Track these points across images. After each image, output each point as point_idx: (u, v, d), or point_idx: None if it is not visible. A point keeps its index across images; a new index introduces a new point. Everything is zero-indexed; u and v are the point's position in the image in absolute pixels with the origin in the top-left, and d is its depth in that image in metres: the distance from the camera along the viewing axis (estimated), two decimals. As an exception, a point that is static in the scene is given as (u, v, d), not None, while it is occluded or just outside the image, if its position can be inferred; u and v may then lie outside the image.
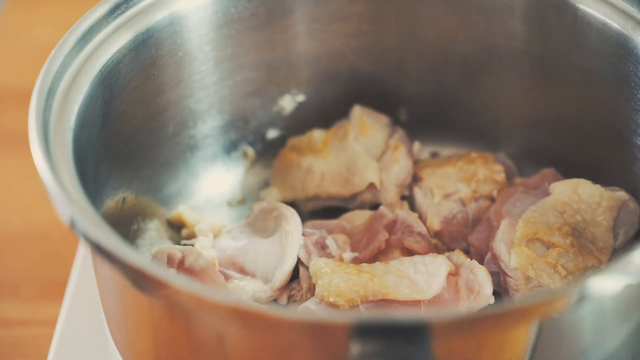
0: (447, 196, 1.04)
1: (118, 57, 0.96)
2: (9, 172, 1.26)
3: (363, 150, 1.08)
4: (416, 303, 0.93)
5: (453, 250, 0.99)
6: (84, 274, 1.07)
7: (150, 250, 1.03)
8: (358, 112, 1.11)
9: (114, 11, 0.96)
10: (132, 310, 0.86)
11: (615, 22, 0.98)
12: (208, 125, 1.10)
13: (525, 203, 1.01)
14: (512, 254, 0.96)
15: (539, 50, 1.06)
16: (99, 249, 0.78)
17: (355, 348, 0.73)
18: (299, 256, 0.99)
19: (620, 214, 0.99)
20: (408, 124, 1.14)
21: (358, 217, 1.05)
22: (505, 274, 0.96)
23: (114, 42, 0.96)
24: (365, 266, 0.95)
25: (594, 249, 0.97)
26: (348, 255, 0.99)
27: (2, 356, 1.06)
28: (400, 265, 0.95)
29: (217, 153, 1.12)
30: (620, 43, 0.98)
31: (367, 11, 1.09)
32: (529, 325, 0.78)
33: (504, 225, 0.98)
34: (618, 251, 0.98)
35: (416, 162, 1.09)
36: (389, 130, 1.11)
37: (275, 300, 0.99)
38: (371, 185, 1.07)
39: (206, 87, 1.07)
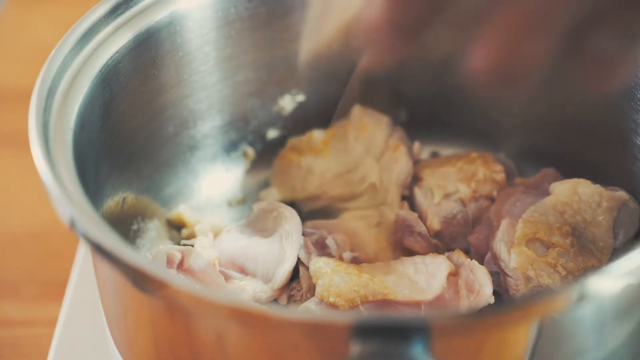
0: (447, 196, 1.04)
1: (118, 57, 0.96)
2: (9, 172, 1.26)
3: (363, 150, 1.08)
4: (416, 303, 0.93)
5: (453, 250, 0.99)
6: (84, 274, 1.07)
7: (150, 250, 1.03)
8: (358, 112, 1.11)
9: (114, 11, 0.96)
10: (132, 310, 0.86)
11: (615, 22, 0.98)
12: (208, 125, 1.10)
13: (525, 203, 1.01)
14: (512, 254, 0.96)
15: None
16: (99, 249, 0.78)
17: (355, 348, 0.73)
18: (299, 256, 0.99)
19: (620, 214, 0.99)
20: (408, 124, 1.14)
21: (358, 218, 1.05)
22: (505, 274, 0.96)
23: (114, 42, 0.96)
24: (365, 266, 0.95)
25: (594, 249, 0.97)
26: (348, 255, 0.99)
27: (2, 356, 1.06)
28: (401, 265, 0.96)
29: (217, 153, 1.12)
30: (620, 43, 0.98)
31: (367, 11, 1.09)
32: (529, 325, 0.78)
33: (504, 225, 0.98)
34: (618, 251, 0.98)
35: (416, 162, 1.09)
36: (389, 130, 1.11)
37: (275, 300, 0.99)
38: (371, 186, 1.07)
39: (206, 87, 1.07)
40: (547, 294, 0.76)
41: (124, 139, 1.00)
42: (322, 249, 1.00)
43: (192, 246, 1.01)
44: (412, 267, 0.95)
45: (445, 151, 1.14)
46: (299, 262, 0.99)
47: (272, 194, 1.08)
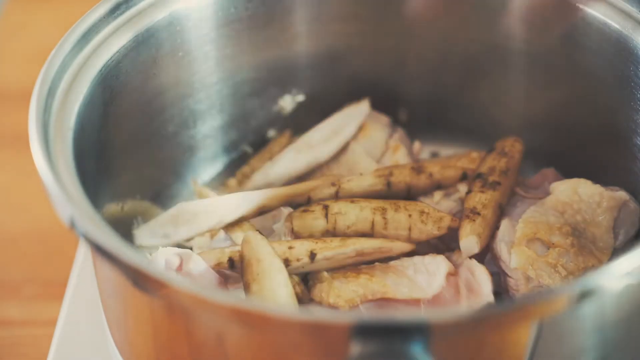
0: (447, 196, 1.04)
1: (118, 57, 0.96)
2: (9, 172, 1.26)
3: (363, 151, 1.08)
4: (416, 302, 0.93)
5: (453, 250, 0.99)
6: (84, 274, 1.07)
7: (150, 250, 1.03)
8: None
9: (114, 11, 0.96)
10: (132, 310, 0.86)
11: (615, 22, 0.98)
12: (208, 125, 1.10)
13: (525, 203, 1.01)
14: (512, 254, 0.96)
15: (539, 50, 1.06)
16: (99, 249, 0.78)
17: (355, 348, 0.73)
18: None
19: (621, 214, 0.99)
20: (408, 124, 1.14)
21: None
22: (505, 274, 0.96)
23: (114, 42, 0.96)
24: (364, 267, 0.95)
25: (594, 249, 0.97)
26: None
27: (2, 356, 1.06)
28: (400, 264, 0.95)
29: (217, 153, 1.12)
30: (620, 43, 0.98)
31: (367, 11, 1.09)
32: (529, 325, 0.78)
33: (504, 225, 0.98)
34: (618, 251, 0.98)
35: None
36: (389, 130, 1.11)
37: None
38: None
39: (206, 87, 1.07)
40: (547, 294, 0.76)
41: (124, 139, 1.00)
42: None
43: (191, 249, 1.01)
44: (412, 267, 0.95)
45: (445, 151, 1.14)
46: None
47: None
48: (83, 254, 1.10)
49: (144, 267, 0.76)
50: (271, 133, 1.14)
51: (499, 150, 1.04)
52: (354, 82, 1.13)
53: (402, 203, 0.99)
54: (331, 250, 0.95)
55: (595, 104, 1.04)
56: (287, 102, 1.13)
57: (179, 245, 1.04)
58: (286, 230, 0.98)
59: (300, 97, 1.13)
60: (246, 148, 1.13)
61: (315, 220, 0.98)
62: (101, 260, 0.81)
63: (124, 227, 1.02)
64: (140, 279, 0.77)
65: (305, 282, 0.96)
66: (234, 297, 0.75)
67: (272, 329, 0.75)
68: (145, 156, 1.05)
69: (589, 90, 1.04)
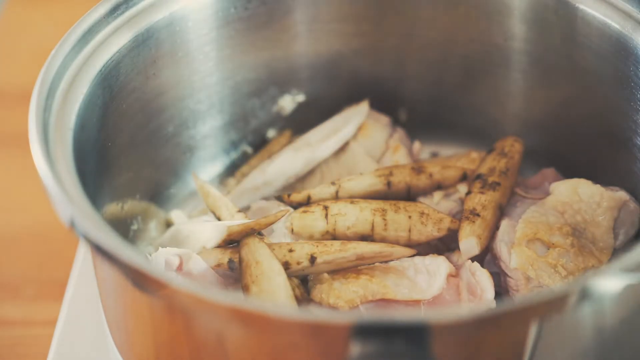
0: (447, 196, 1.04)
1: (118, 57, 0.96)
2: (9, 172, 1.26)
3: (363, 151, 1.08)
4: (416, 303, 0.93)
5: (453, 250, 0.99)
6: (84, 274, 1.07)
7: (150, 250, 1.03)
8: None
9: (114, 11, 0.96)
10: (132, 310, 0.86)
11: (615, 22, 0.98)
12: (208, 126, 1.10)
13: (525, 203, 1.01)
14: (512, 254, 0.96)
15: (539, 50, 1.06)
16: (99, 249, 0.78)
17: (355, 348, 0.73)
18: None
19: (621, 214, 0.99)
20: (408, 124, 1.14)
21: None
22: (505, 274, 0.96)
23: (114, 42, 0.96)
24: (364, 268, 0.95)
25: (594, 249, 0.97)
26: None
27: (2, 356, 1.06)
28: (400, 265, 0.95)
29: (217, 153, 1.12)
30: (620, 43, 0.98)
31: (367, 11, 1.09)
32: (529, 325, 0.78)
33: (504, 225, 0.98)
34: (618, 251, 0.98)
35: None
36: (389, 130, 1.11)
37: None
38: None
39: (206, 87, 1.07)
40: (547, 294, 0.76)
41: (124, 139, 1.00)
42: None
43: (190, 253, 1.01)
44: (412, 268, 0.95)
45: (445, 151, 1.14)
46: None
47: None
48: (83, 254, 1.10)
49: (144, 267, 0.76)
50: (271, 133, 1.14)
51: (499, 150, 1.04)
52: (354, 82, 1.13)
53: (402, 204, 0.99)
54: (331, 254, 0.95)
55: (595, 104, 1.04)
56: (287, 102, 1.13)
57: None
58: (286, 231, 0.98)
59: (300, 97, 1.13)
60: (246, 148, 1.13)
61: (315, 221, 0.98)
62: (101, 260, 0.81)
63: (124, 228, 1.02)
64: (140, 279, 0.77)
65: (305, 282, 0.96)
66: (234, 297, 0.75)
67: (272, 329, 0.75)
68: (145, 156, 1.05)
69: (589, 91, 1.04)
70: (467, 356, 0.78)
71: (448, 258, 0.97)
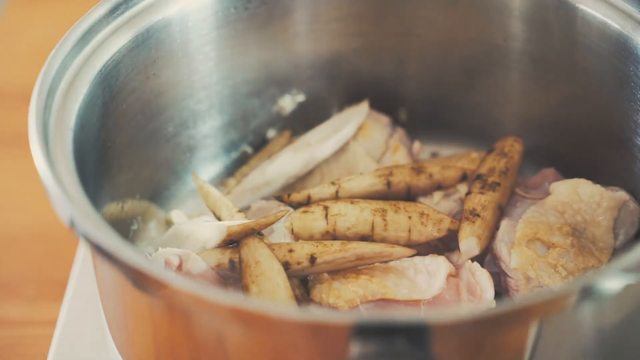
0: (447, 196, 1.04)
1: (118, 57, 0.96)
2: (9, 172, 1.26)
3: (363, 151, 1.08)
4: (415, 303, 0.93)
5: (453, 250, 0.99)
6: (84, 274, 1.07)
7: (150, 250, 1.03)
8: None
9: (114, 11, 0.96)
10: (132, 310, 0.86)
11: (615, 22, 0.98)
12: (208, 126, 1.10)
13: (525, 203, 1.01)
14: (512, 254, 0.96)
15: (539, 50, 1.06)
16: (99, 249, 0.78)
17: (355, 348, 0.73)
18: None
19: (621, 214, 0.99)
20: (408, 124, 1.14)
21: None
22: (505, 274, 0.96)
23: (114, 42, 0.96)
24: (364, 268, 0.95)
25: (594, 249, 0.97)
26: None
27: (2, 356, 1.06)
28: (400, 265, 0.95)
29: (217, 153, 1.12)
30: (620, 43, 0.98)
31: (367, 11, 1.09)
32: (529, 325, 0.78)
33: (504, 225, 0.98)
34: (618, 251, 0.98)
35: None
36: (389, 130, 1.11)
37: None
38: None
39: (206, 87, 1.07)
40: (547, 294, 0.76)
41: (124, 139, 1.00)
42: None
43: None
44: (412, 268, 0.95)
45: (445, 151, 1.14)
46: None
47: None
48: (83, 254, 1.10)
49: (143, 267, 0.76)
50: (271, 133, 1.14)
51: (499, 150, 1.04)
52: (354, 82, 1.13)
53: (402, 204, 0.99)
54: (331, 254, 0.95)
55: (595, 104, 1.04)
56: (287, 102, 1.13)
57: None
58: (286, 231, 0.98)
59: (300, 97, 1.13)
60: (246, 148, 1.13)
61: (315, 221, 0.98)
62: (101, 260, 0.81)
63: (124, 227, 1.02)
64: (140, 279, 0.77)
65: (305, 282, 0.96)
66: (234, 297, 0.75)
67: (272, 329, 0.75)
68: (145, 156, 1.05)
69: (589, 90, 1.04)
70: (467, 356, 0.78)
71: (448, 258, 0.97)
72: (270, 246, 0.94)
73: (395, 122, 1.13)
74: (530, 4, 1.04)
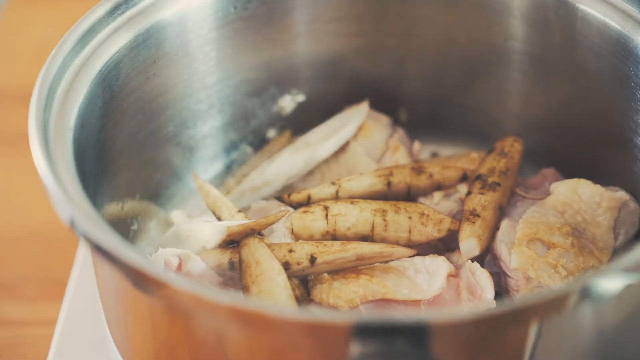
0: (447, 196, 1.04)
1: (118, 57, 0.96)
2: (9, 172, 1.26)
3: (362, 151, 1.08)
4: (416, 303, 0.93)
5: (453, 250, 0.99)
6: (84, 274, 1.07)
7: (150, 250, 1.03)
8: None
9: (114, 11, 0.96)
10: (132, 310, 0.86)
11: (615, 22, 0.98)
12: (208, 125, 1.10)
13: (526, 203, 1.01)
14: (512, 254, 0.96)
15: (539, 50, 1.06)
16: (99, 249, 0.78)
17: (355, 348, 0.73)
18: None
19: (621, 214, 0.99)
20: (408, 124, 1.14)
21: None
22: (505, 274, 0.96)
23: (114, 42, 0.96)
24: (364, 268, 0.95)
25: (594, 249, 0.97)
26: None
27: (2, 356, 1.06)
28: (400, 265, 0.95)
29: (217, 153, 1.12)
30: (620, 43, 0.98)
31: (367, 11, 1.09)
32: (529, 325, 0.78)
33: (504, 225, 0.98)
34: (618, 251, 0.98)
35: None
36: (389, 130, 1.11)
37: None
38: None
39: (206, 87, 1.07)
40: (547, 294, 0.76)
41: (124, 139, 1.00)
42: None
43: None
44: (412, 268, 0.95)
45: (445, 151, 1.14)
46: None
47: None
48: (83, 254, 1.10)
49: (143, 267, 0.76)
50: (271, 133, 1.14)
51: (499, 150, 1.04)
52: (354, 82, 1.13)
53: (402, 205, 0.99)
54: (331, 254, 0.94)
55: (595, 104, 1.04)
56: (287, 102, 1.13)
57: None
58: (286, 231, 0.98)
59: (300, 97, 1.13)
60: (246, 148, 1.13)
61: (315, 221, 0.98)
62: (101, 260, 0.81)
63: (124, 228, 1.02)
64: (140, 279, 0.77)
65: (305, 282, 0.96)
66: (234, 297, 0.75)
67: (272, 329, 0.75)
68: (145, 156, 1.05)
69: (589, 90, 1.04)
70: (467, 356, 0.78)
71: (448, 258, 0.97)
72: (271, 246, 0.94)
73: (395, 122, 1.13)
74: (530, 4, 1.04)
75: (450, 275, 0.95)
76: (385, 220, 0.98)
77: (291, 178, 1.07)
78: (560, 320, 0.79)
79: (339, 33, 1.10)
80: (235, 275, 0.95)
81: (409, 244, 0.98)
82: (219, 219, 1.01)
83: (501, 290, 0.97)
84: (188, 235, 0.98)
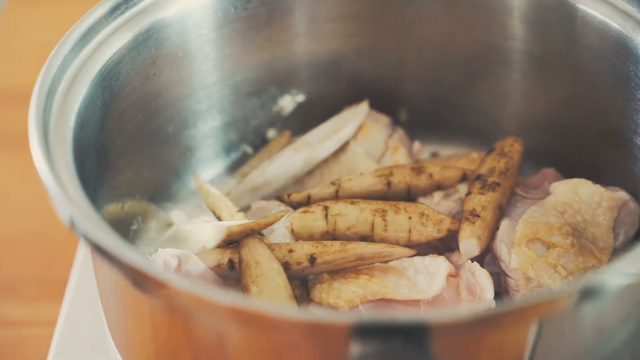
0: (447, 196, 1.04)
1: (118, 57, 0.96)
2: (9, 172, 1.26)
3: (362, 151, 1.08)
4: (415, 303, 0.93)
5: (453, 250, 0.99)
6: (84, 274, 1.07)
7: (150, 250, 1.03)
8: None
9: (114, 11, 0.96)
10: (132, 310, 0.86)
11: (615, 22, 0.98)
12: (208, 125, 1.10)
13: (526, 203, 1.01)
14: (512, 254, 0.96)
15: (539, 50, 1.06)
16: (99, 249, 0.78)
17: (355, 348, 0.73)
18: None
19: (621, 214, 0.99)
20: (408, 124, 1.14)
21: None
22: (505, 274, 0.96)
23: (114, 42, 0.96)
24: (364, 268, 0.95)
25: (594, 249, 0.97)
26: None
27: (2, 356, 1.06)
28: (400, 265, 0.95)
29: (217, 153, 1.12)
30: (620, 43, 0.98)
31: (367, 11, 1.09)
32: (529, 325, 0.78)
33: (504, 225, 0.98)
34: (618, 251, 0.98)
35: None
36: (389, 131, 1.11)
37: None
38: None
39: (206, 87, 1.07)
40: (547, 294, 0.76)
41: (124, 139, 1.00)
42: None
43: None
44: (412, 268, 0.95)
45: (445, 151, 1.14)
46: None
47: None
48: (83, 254, 1.10)
49: (143, 267, 0.76)
50: (271, 133, 1.14)
51: (498, 150, 1.04)
52: (354, 82, 1.13)
53: (402, 205, 0.99)
54: (331, 254, 0.94)
55: (595, 104, 1.04)
56: (287, 102, 1.13)
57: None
58: (286, 231, 0.98)
59: (300, 97, 1.13)
60: (246, 148, 1.13)
61: (315, 221, 0.98)
62: (101, 260, 0.81)
63: (124, 228, 1.02)
64: (140, 279, 0.77)
65: (305, 282, 0.96)
66: (234, 297, 0.75)
67: (272, 329, 0.75)
68: (145, 156, 1.05)
69: (589, 90, 1.04)
70: (467, 356, 0.78)
71: (448, 258, 0.97)
72: (270, 246, 0.94)
73: (395, 122, 1.13)
74: (530, 4, 1.04)
75: (450, 275, 0.95)
76: (385, 220, 0.98)
77: (291, 178, 1.07)
78: (560, 320, 0.79)
79: (339, 33, 1.10)
80: (235, 275, 0.95)
81: (408, 244, 0.98)
82: (219, 219, 1.01)
83: (501, 290, 0.97)
84: (188, 235, 0.98)
